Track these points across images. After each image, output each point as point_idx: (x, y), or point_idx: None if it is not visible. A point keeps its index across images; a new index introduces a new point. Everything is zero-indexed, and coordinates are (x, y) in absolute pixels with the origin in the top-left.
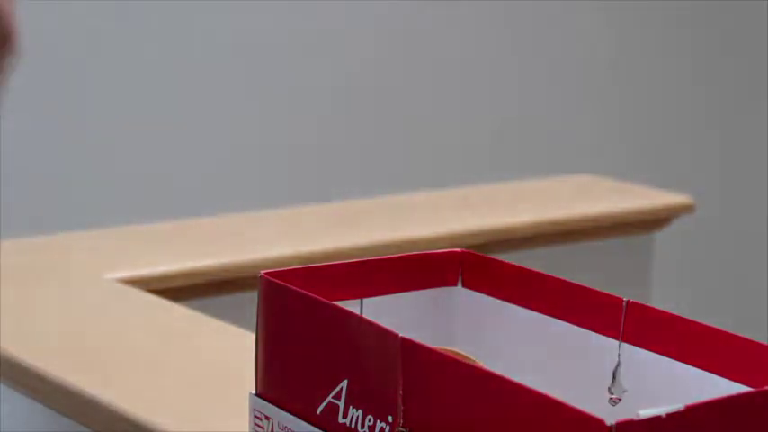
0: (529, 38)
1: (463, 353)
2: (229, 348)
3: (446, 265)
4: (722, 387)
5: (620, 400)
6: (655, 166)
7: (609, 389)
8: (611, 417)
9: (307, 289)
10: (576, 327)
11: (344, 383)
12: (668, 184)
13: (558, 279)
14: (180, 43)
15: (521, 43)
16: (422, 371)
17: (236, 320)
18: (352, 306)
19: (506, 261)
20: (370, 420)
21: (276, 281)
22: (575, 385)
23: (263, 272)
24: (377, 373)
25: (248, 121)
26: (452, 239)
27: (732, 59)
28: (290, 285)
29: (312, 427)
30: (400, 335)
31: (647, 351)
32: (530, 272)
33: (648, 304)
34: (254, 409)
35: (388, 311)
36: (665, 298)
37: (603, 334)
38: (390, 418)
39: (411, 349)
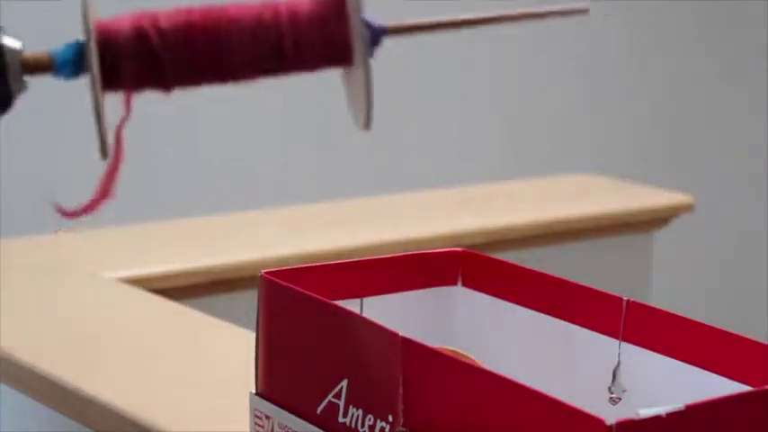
0: (529, 36)
1: (463, 353)
2: (229, 348)
3: (446, 265)
4: (722, 386)
5: (620, 399)
6: (655, 166)
7: (609, 389)
8: (611, 417)
9: (307, 289)
10: (576, 327)
11: (344, 383)
12: (668, 183)
13: (558, 279)
14: None
15: (521, 42)
16: (422, 370)
17: (236, 320)
18: (352, 306)
19: (506, 261)
20: (370, 420)
21: (276, 281)
22: (575, 385)
23: (263, 272)
24: (377, 373)
25: (247, 120)
26: (452, 239)
27: (732, 59)
28: (290, 285)
29: (312, 427)
30: (400, 334)
31: (647, 351)
32: (530, 272)
33: (648, 304)
34: (254, 409)
35: (388, 311)
36: (665, 298)
37: (603, 334)
38: (390, 418)
39: (411, 349)
